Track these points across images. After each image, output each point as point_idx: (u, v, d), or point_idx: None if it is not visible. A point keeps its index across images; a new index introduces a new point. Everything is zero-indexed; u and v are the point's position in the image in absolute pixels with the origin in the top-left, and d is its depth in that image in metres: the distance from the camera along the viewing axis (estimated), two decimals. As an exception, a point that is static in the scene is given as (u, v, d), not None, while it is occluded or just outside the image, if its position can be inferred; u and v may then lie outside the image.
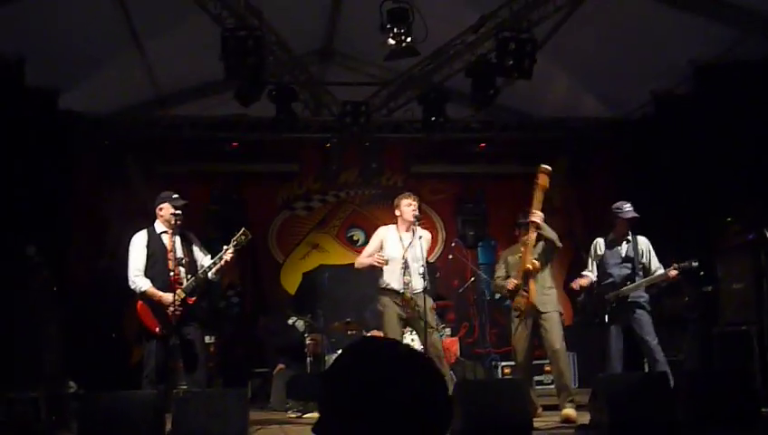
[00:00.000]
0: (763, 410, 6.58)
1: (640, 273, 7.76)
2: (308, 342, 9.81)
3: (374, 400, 1.60)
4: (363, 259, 7.55)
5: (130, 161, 11.76)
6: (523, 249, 7.73)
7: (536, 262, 7.58)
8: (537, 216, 7.48)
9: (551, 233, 7.59)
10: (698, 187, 9.57)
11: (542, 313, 7.63)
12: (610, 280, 7.84)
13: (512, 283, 7.76)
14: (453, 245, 9.92)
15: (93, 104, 10.71)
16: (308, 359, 9.75)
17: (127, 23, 9.52)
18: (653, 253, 7.82)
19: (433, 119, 10.77)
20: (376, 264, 7.35)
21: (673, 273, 7.52)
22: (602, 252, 7.98)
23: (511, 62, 8.98)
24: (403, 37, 8.36)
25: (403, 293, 7.29)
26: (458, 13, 9.96)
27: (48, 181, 9.68)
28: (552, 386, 8.19)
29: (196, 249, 7.31)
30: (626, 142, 11.69)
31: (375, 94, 11.43)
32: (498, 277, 8.13)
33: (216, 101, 11.54)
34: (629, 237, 7.87)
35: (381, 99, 11.48)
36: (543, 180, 7.60)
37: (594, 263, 8.05)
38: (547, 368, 9.83)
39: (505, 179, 12.97)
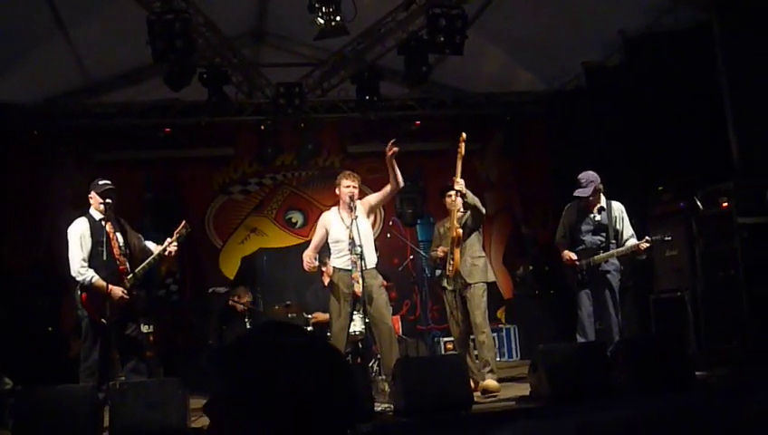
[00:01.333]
0: (698, 373, 6.70)
1: (614, 241, 7.64)
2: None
3: (268, 386, 1.55)
4: (306, 257, 7.47)
5: (63, 151, 11.54)
6: (449, 218, 7.78)
7: (459, 229, 7.63)
8: (459, 183, 7.52)
9: (473, 199, 7.64)
10: (631, 156, 9.69)
11: (468, 284, 7.69)
12: (582, 247, 7.72)
13: (441, 250, 7.87)
14: (390, 223, 9.92)
15: (21, 94, 10.46)
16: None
17: (51, 10, 9.30)
18: (626, 220, 7.69)
19: (367, 98, 10.74)
20: (307, 265, 7.34)
21: (644, 245, 7.43)
22: (573, 218, 7.86)
23: (442, 39, 8.97)
24: (332, 16, 8.29)
25: (351, 271, 7.26)
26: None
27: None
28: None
29: (132, 238, 7.17)
30: (559, 115, 11.79)
31: (308, 75, 11.34)
32: (432, 249, 8.21)
33: (147, 86, 11.36)
34: (603, 204, 7.74)
35: (315, 79, 11.40)
36: (463, 149, 7.62)
37: (563, 228, 7.95)
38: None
39: (442, 156, 12.94)
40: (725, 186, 7.96)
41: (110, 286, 6.76)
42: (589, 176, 7.71)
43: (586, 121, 10.86)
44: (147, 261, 6.93)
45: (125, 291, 6.77)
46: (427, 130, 12.70)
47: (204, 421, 6.98)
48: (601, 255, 7.58)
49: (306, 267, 7.37)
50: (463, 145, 7.65)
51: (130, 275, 6.84)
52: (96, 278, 6.79)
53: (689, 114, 8.97)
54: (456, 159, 7.64)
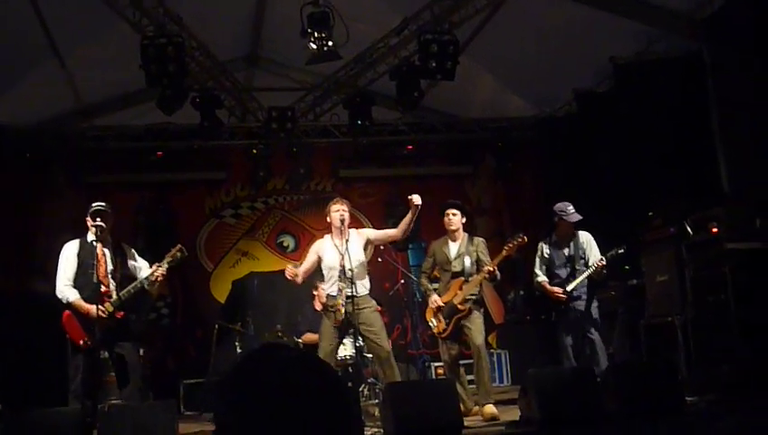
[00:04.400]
0: (688, 399, 6.69)
1: (582, 268, 7.91)
2: None
3: (272, 407, 1.57)
4: (292, 273, 7.48)
5: (55, 173, 11.55)
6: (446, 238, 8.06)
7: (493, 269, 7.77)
8: (492, 269, 7.73)
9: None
10: (622, 182, 9.74)
11: (468, 311, 7.81)
12: (557, 280, 7.99)
13: (436, 303, 7.99)
14: (382, 248, 9.91)
15: (14, 117, 10.49)
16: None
17: (45, 34, 9.34)
18: (594, 247, 7.99)
19: (359, 123, 10.79)
20: (288, 275, 7.36)
21: (601, 263, 7.68)
22: (548, 254, 8.13)
23: (434, 64, 9.05)
24: (324, 41, 8.33)
25: (336, 298, 7.25)
26: (381, 15, 10.01)
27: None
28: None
29: (131, 262, 7.13)
30: (550, 140, 11.85)
31: (301, 99, 11.40)
32: (424, 273, 8.25)
33: (139, 110, 11.40)
34: (571, 236, 8.05)
35: (307, 104, 11.46)
36: (515, 250, 7.84)
37: (540, 264, 8.17)
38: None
39: (434, 180, 13.03)
40: (715, 211, 7.97)
41: (88, 307, 6.74)
42: (570, 205, 8.04)
43: (577, 147, 10.92)
44: (132, 284, 6.88)
45: (102, 309, 6.71)
46: (419, 154, 12.76)
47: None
48: (573, 283, 7.84)
49: (288, 275, 7.37)
50: (516, 247, 7.78)
51: (114, 298, 6.80)
52: (75, 298, 6.77)
53: (679, 141, 9.03)
54: (506, 249, 7.79)
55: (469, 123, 12.33)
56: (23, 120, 10.81)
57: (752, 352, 7.17)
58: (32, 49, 9.44)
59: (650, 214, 8.91)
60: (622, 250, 7.78)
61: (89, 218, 6.91)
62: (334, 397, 1.66)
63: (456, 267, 7.96)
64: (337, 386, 1.69)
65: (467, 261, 7.93)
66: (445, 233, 8.20)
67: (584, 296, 7.90)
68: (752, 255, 7.52)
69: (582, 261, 7.96)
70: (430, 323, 8.14)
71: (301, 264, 7.63)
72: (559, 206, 8.12)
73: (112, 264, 6.97)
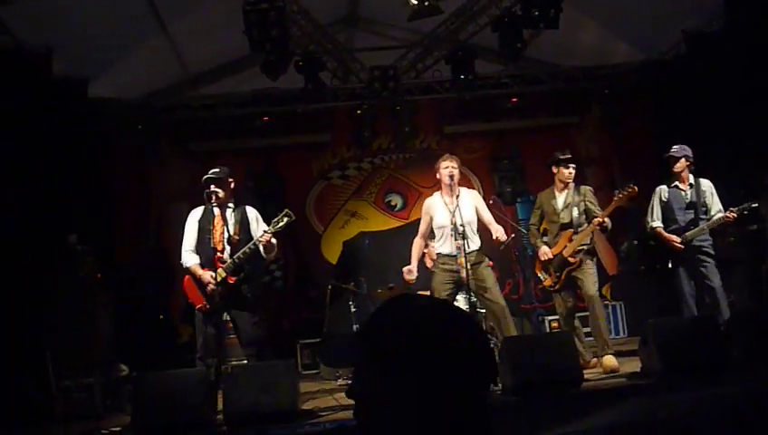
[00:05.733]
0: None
1: (703, 217, 7.78)
2: None
3: (417, 355, 1.58)
4: (415, 243, 7.56)
5: (165, 143, 11.86)
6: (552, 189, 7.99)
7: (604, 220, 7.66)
8: (605, 219, 7.66)
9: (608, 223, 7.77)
10: (737, 125, 9.38)
11: (580, 262, 7.71)
12: (675, 226, 7.86)
13: (546, 256, 7.95)
14: (491, 202, 9.81)
15: (123, 90, 10.76)
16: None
17: (149, 6, 9.53)
18: (716, 196, 7.85)
19: (462, 77, 10.67)
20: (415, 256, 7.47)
21: (732, 215, 7.53)
22: (666, 198, 7.98)
23: (536, 13, 8.90)
24: (424, -4, 8.26)
25: (456, 256, 7.23)
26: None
27: (85, 169, 9.74)
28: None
29: (254, 226, 7.25)
30: (660, 86, 11.48)
31: (402, 57, 11.33)
32: (533, 225, 8.18)
33: (244, 76, 11.56)
34: (692, 182, 7.89)
35: (409, 62, 11.39)
36: (625, 200, 7.71)
37: (658, 209, 8.02)
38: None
39: (540, 133, 12.85)
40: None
41: (201, 272, 6.92)
42: (682, 147, 7.92)
43: (688, 92, 10.54)
44: (242, 250, 7.01)
45: (213, 276, 6.88)
46: (523, 107, 12.54)
47: (314, 404, 7.12)
48: (693, 231, 7.70)
49: (406, 277, 7.47)
50: (626, 197, 7.65)
51: (228, 263, 6.95)
52: (191, 263, 6.99)
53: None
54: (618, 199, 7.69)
55: (574, 72, 12.04)
56: (132, 93, 11.07)
57: None
58: (137, 22, 9.62)
59: (769, 156, 8.60)
60: (755, 205, 7.55)
61: (203, 186, 7.06)
62: (474, 346, 1.65)
63: (565, 219, 7.86)
64: (477, 334, 1.68)
65: (575, 212, 7.81)
66: (551, 185, 8.09)
67: (704, 244, 7.68)
68: None
69: (704, 209, 7.74)
70: (540, 277, 8.08)
71: (410, 223, 7.68)
72: (672, 149, 7.93)
73: (233, 229, 7.10)
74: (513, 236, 10.27)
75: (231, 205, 7.21)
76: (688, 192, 7.86)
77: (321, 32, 10.62)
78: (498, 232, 7.22)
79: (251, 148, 12.51)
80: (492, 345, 8.51)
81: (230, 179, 7.20)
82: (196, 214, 7.18)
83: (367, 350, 1.63)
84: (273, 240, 7.05)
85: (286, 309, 12.18)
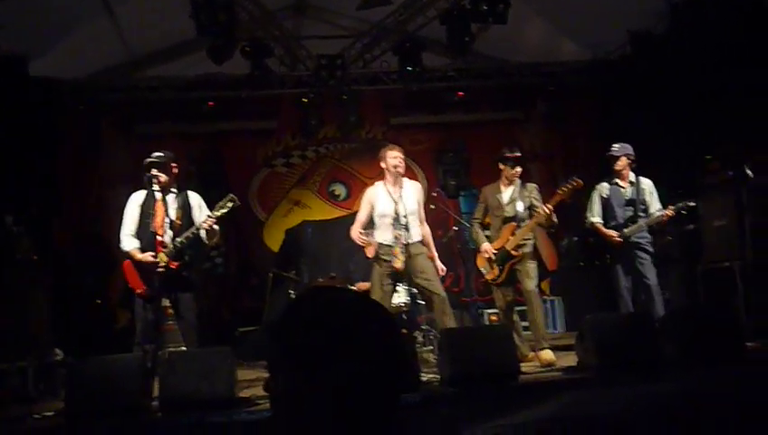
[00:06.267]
0: (748, 344, 6.63)
1: (642, 214, 7.91)
2: None
3: (331, 350, 1.56)
4: (354, 233, 7.50)
5: (108, 125, 11.68)
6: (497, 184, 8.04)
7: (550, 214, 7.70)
8: (549, 210, 7.66)
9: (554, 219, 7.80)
10: (678, 125, 9.54)
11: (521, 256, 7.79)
12: (614, 223, 7.99)
13: (489, 251, 7.96)
14: (434, 195, 9.87)
15: (65, 70, 10.54)
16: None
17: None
18: (655, 194, 8.00)
19: (409, 69, 10.68)
20: (358, 242, 7.37)
21: (669, 213, 7.65)
22: (606, 195, 8.11)
23: (485, 8, 8.93)
24: (375, -14, 8.25)
25: (395, 247, 7.24)
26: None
27: (25, 149, 9.54)
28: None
29: (196, 212, 7.17)
30: (605, 84, 11.62)
31: (350, 47, 11.30)
32: (476, 220, 8.21)
33: (190, 60, 11.41)
34: (633, 180, 8.03)
35: (356, 51, 11.36)
36: (569, 195, 7.75)
37: (598, 205, 8.15)
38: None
39: (485, 127, 12.94)
40: (774, 154, 7.83)
41: (141, 255, 6.83)
42: (624, 146, 8.08)
43: (632, 91, 10.69)
44: (184, 234, 6.93)
45: (154, 255, 6.79)
46: (469, 100, 12.61)
47: (252, 392, 7.08)
48: (631, 227, 7.84)
49: (359, 243, 7.41)
50: (571, 190, 7.69)
51: (170, 248, 6.87)
52: (131, 248, 6.89)
53: (738, 82, 8.79)
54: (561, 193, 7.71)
55: (520, 68, 12.12)
56: (75, 73, 10.86)
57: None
58: (82, 2, 9.45)
59: (708, 157, 8.75)
60: (693, 204, 7.70)
61: (147, 168, 6.96)
62: (389, 340, 1.63)
63: (509, 212, 7.91)
64: (391, 328, 1.66)
65: (520, 206, 7.87)
66: (496, 179, 8.13)
67: (642, 241, 7.82)
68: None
69: (643, 207, 7.89)
70: (482, 270, 8.12)
71: (353, 213, 7.66)
72: (613, 147, 8.07)
73: (175, 214, 7.02)
74: (455, 228, 10.33)
75: (174, 190, 7.12)
76: (628, 190, 8.00)
77: (268, 18, 10.54)
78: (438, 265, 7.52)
79: (195, 132, 12.38)
80: (431, 337, 8.59)
81: (173, 164, 7.11)
82: (136, 198, 7.06)
83: (280, 344, 1.61)
84: (216, 226, 6.99)
85: (226, 296, 12.09)
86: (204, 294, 10.79)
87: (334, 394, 1.54)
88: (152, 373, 6.56)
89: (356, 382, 1.55)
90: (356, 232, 7.41)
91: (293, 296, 9.75)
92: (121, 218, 7.06)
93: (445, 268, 7.58)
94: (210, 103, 11.63)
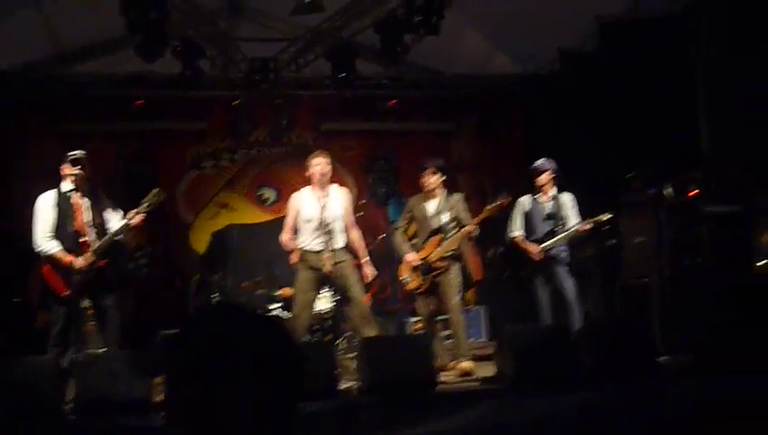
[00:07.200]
0: (661, 359, 6.79)
1: (562, 228, 8.08)
2: None
3: (230, 362, 1.57)
4: (283, 238, 7.50)
5: (33, 120, 11.43)
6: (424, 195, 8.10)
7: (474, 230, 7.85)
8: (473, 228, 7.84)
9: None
10: (603, 143, 9.74)
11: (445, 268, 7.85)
12: (535, 236, 8.14)
13: (412, 261, 8.02)
14: (363, 202, 9.91)
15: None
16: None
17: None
18: (575, 209, 8.17)
19: (342, 75, 10.68)
20: (287, 247, 7.38)
21: (586, 226, 7.86)
22: (528, 209, 8.25)
23: (419, 19, 8.98)
24: (309, -8, 8.24)
25: (319, 253, 7.26)
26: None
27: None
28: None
29: (108, 210, 7.08)
30: (535, 99, 11.79)
31: (283, 50, 11.25)
32: (399, 229, 8.26)
33: (119, 57, 11.22)
34: (554, 194, 8.20)
35: (290, 55, 11.31)
36: (496, 209, 7.87)
37: (519, 220, 8.29)
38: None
39: (417, 136, 13.01)
40: (694, 174, 8.04)
41: (70, 258, 6.71)
42: (548, 160, 8.31)
43: (560, 106, 10.87)
44: (111, 233, 6.84)
45: (87, 258, 6.69)
46: (402, 109, 12.67)
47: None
48: (551, 241, 8.01)
49: (287, 248, 7.42)
50: (497, 208, 7.83)
51: (95, 247, 6.76)
52: (57, 250, 6.73)
53: (661, 103, 9.01)
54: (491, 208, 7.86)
55: (452, 80, 12.24)
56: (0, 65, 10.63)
57: (725, 315, 7.26)
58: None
59: (630, 175, 8.95)
60: (608, 217, 7.89)
61: (66, 166, 6.84)
62: (285, 353, 1.65)
63: (434, 224, 7.98)
64: (287, 341, 1.68)
65: (445, 218, 7.94)
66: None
67: (561, 255, 7.97)
68: (729, 218, 7.58)
69: (563, 221, 8.04)
70: (402, 280, 8.17)
71: (282, 217, 7.66)
72: (537, 161, 8.22)
73: (92, 212, 6.91)
74: (383, 236, 10.38)
75: (87, 188, 7.00)
76: (549, 204, 8.15)
77: (202, 17, 10.43)
78: (365, 269, 7.57)
79: (124, 131, 12.17)
80: (354, 343, 8.60)
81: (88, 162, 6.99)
82: (47, 199, 6.87)
83: (179, 357, 1.62)
84: (135, 220, 6.90)
85: (150, 298, 11.91)
86: (127, 296, 10.62)
87: (232, 405, 1.55)
88: (68, 376, 6.44)
89: (253, 394, 1.56)
90: (286, 237, 7.42)
91: (194, 312, 9.69)
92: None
93: (375, 272, 7.61)
94: (138, 102, 11.47)
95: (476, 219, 7.79)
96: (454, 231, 7.90)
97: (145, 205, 6.88)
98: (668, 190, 8.13)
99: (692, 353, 7.09)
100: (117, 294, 7.11)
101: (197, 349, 1.59)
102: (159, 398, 6.52)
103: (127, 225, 6.86)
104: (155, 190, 6.97)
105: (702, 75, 8.80)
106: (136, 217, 6.83)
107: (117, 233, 6.83)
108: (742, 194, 7.66)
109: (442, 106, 12.93)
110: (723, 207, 7.69)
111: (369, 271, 7.59)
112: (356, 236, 7.65)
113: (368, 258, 7.67)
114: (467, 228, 7.73)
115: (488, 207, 7.81)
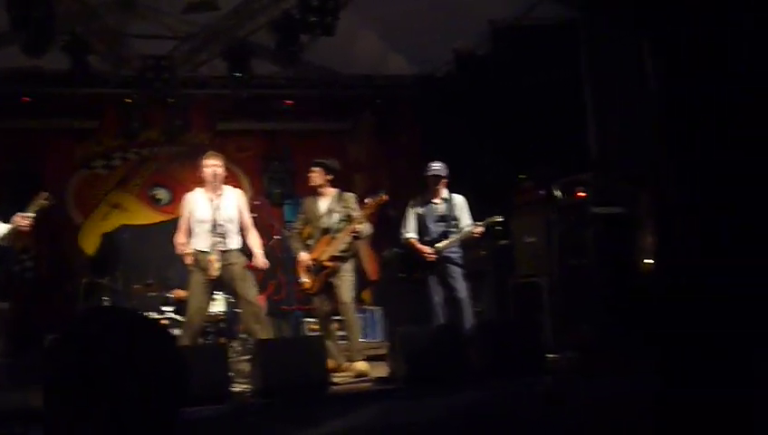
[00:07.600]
0: (550, 356, 6.94)
1: (454, 230, 8.17)
2: None
3: (109, 371, 1.54)
4: (178, 240, 7.39)
5: None
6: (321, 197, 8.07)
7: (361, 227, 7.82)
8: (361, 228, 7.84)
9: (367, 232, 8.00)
10: (496, 144, 9.92)
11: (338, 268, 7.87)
12: (428, 238, 8.22)
13: (305, 261, 8.00)
14: (258, 203, 9.82)
15: None
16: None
17: None
18: (466, 211, 8.28)
19: (237, 75, 10.58)
20: (179, 250, 7.29)
21: (478, 229, 7.99)
22: (421, 211, 8.35)
23: (314, 19, 8.95)
24: (202, -11, 8.12)
25: (209, 253, 7.18)
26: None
27: None
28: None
29: None
30: (430, 99, 11.91)
31: (177, 48, 11.06)
32: (295, 229, 8.27)
33: (4, 52, 10.83)
34: (447, 196, 8.29)
35: (184, 53, 11.13)
36: (375, 208, 7.95)
37: (412, 221, 8.37)
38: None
39: (313, 136, 12.98)
40: (583, 177, 8.25)
41: None
42: (440, 163, 8.36)
43: (455, 108, 11.02)
44: None
45: None
46: (298, 109, 12.63)
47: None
48: (443, 243, 8.11)
49: (180, 252, 7.32)
50: (375, 205, 7.87)
51: None
52: None
53: (552, 107, 9.22)
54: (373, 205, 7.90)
55: (349, 80, 12.26)
56: None
57: (609, 314, 7.47)
58: None
59: (522, 177, 9.13)
60: (500, 219, 8.05)
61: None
62: (166, 358, 1.63)
63: (325, 223, 7.99)
64: (169, 345, 1.66)
65: (336, 217, 7.96)
66: (318, 189, 8.22)
67: (453, 256, 8.09)
68: (615, 220, 7.81)
69: (455, 223, 8.16)
70: (302, 280, 8.16)
71: (176, 218, 7.56)
72: (429, 164, 8.32)
73: None
74: (278, 237, 10.31)
75: None
76: (441, 206, 8.26)
77: (90, 12, 10.15)
78: (257, 259, 7.48)
79: (9, 128, 11.74)
80: (249, 346, 8.53)
81: None
82: None
83: (58, 365, 1.58)
84: (23, 224, 6.70)
85: (37, 302, 11.53)
86: (12, 299, 10.27)
87: (111, 414, 1.52)
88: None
89: (133, 401, 1.54)
90: (180, 239, 7.33)
91: (75, 315, 9.45)
92: None
93: (267, 263, 7.53)
94: (25, 99, 11.09)
95: (359, 217, 7.81)
96: (343, 231, 7.92)
97: (32, 210, 6.68)
98: (557, 192, 8.32)
99: (579, 353, 7.28)
100: (4, 298, 6.87)
101: (78, 354, 1.55)
102: (39, 407, 6.34)
103: (14, 229, 6.65)
104: (44, 194, 6.81)
105: (590, 81, 9.05)
106: (23, 222, 6.62)
107: (2, 238, 6.61)
108: (627, 196, 7.88)
109: (338, 106, 12.94)
110: (608, 209, 7.91)
111: (261, 261, 7.51)
112: (253, 237, 7.59)
113: (261, 251, 7.59)
114: (351, 226, 7.76)
115: (367, 204, 7.87)
